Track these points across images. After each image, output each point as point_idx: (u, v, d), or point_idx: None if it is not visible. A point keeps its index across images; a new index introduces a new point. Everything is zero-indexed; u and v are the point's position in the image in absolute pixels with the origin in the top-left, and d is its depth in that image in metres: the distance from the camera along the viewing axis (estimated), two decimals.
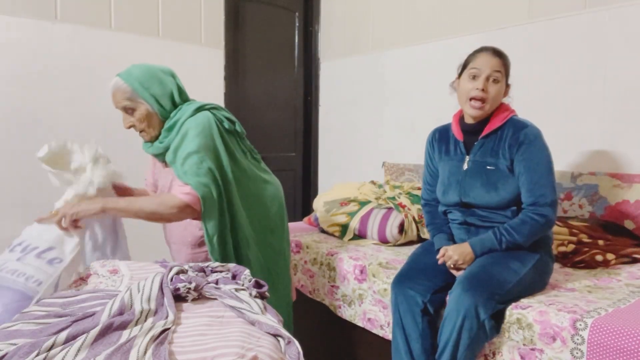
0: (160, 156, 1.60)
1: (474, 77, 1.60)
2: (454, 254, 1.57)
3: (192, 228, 1.60)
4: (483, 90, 1.57)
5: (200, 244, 1.61)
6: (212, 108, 1.57)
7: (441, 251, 1.61)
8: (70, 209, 1.36)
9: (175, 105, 1.55)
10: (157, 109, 1.52)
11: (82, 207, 1.37)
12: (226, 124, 1.57)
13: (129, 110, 1.52)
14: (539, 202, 1.53)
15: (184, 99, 1.59)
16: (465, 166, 1.67)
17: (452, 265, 1.58)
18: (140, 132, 1.57)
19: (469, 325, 1.39)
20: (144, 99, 1.50)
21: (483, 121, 1.66)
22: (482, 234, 1.59)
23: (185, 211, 1.48)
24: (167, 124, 1.53)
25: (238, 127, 1.63)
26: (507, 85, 1.66)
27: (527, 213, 1.54)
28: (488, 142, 1.64)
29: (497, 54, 1.63)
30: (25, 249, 1.25)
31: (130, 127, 1.56)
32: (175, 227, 1.64)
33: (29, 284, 1.17)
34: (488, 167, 1.61)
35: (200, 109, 1.53)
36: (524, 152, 1.55)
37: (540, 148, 1.56)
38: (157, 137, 1.57)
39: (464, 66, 1.67)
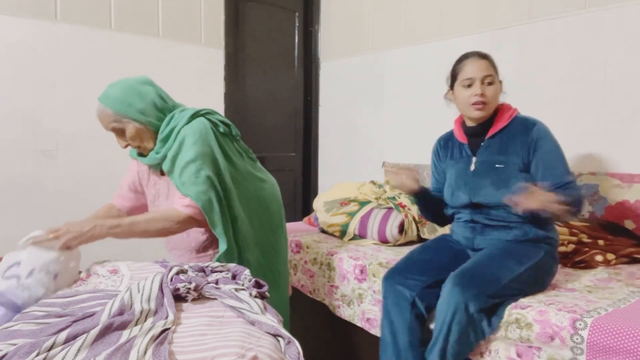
0: (157, 166, 1.57)
1: (469, 86, 1.63)
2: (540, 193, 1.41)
3: (194, 234, 1.59)
4: (482, 94, 1.60)
5: (205, 248, 1.61)
6: (206, 113, 1.56)
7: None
8: (74, 239, 1.28)
9: (162, 112, 1.52)
10: (145, 122, 1.49)
11: (86, 237, 1.31)
12: (221, 128, 1.57)
13: (118, 132, 1.51)
14: (561, 181, 1.54)
15: (171, 103, 1.56)
16: (472, 167, 1.68)
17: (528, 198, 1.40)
18: (137, 148, 1.56)
19: (458, 319, 1.40)
20: (129, 117, 1.47)
21: (486, 122, 1.67)
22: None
23: (190, 223, 1.48)
24: (161, 134, 1.51)
25: (233, 129, 1.63)
26: (501, 83, 1.67)
27: (561, 188, 1.50)
28: (495, 142, 1.65)
29: (483, 56, 1.65)
30: (31, 272, 1.21)
31: (126, 146, 1.54)
32: (177, 235, 1.62)
33: (30, 299, 1.15)
34: (497, 166, 1.62)
35: (195, 115, 1.52)
36: (540, 148, 1.58)
37: (552, 141, 1.60)
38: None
39: (453, 77, 1.69)
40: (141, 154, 1.59)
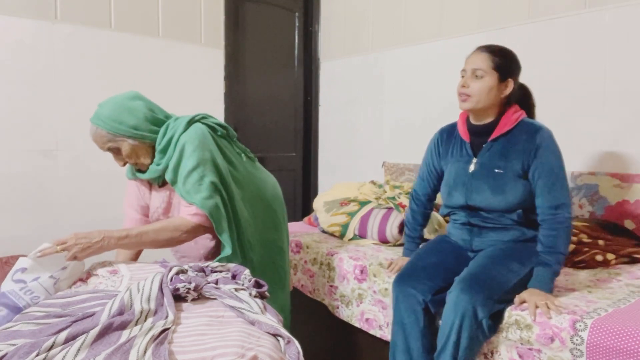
0: (158, 179, 1.56)
1: (463, 76, 1.63)
2: (536, 299, 1.42)
3: (202, 241, 1.59)
4: (464, 86, 1.60)
5: (214, 254, 1.61)
6: (202, 118, 1.56)
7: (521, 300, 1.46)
8: (82, 251, 1.28)
9: (155, 125, 1.51)
10: (139, 137, 1.48)
11: (93, 249, 1.30)
12: (219, 131, 1.57)
13: (115, 151, 1.50)
14: (556, 204, 1.51)
15: (163, 115, 1.55)
16: (471, 168, 1.65)
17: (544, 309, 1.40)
18: (135, 165, 1.55)
19: (467, 325, 1.39)
20: (122, 135, 1.45)
21: (491, 123, 1.63)
22: (535, 272, 1.50)
23: (197, 231, 1.48)
24: (159, 145, 1.50)
25: (230, 131, 1.63)
26: (505, 81, 1.59)
27: (551, 224, 1.50)
28: (497, 145, 1.62)
29: (487, 49, 1.60)
30: (36, 279, 1.22)
31: (124, 164, 1.54)
32: (185, 243, 1.60)
33: (31, 302, 1.16)
34: (496, 170, 1.59)
35: (191, 122, 1.51)
36: (540, 156, 1.53)
37: (555, 152, 1.55)
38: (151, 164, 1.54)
39: None
40: (140, 170, 1.59)
